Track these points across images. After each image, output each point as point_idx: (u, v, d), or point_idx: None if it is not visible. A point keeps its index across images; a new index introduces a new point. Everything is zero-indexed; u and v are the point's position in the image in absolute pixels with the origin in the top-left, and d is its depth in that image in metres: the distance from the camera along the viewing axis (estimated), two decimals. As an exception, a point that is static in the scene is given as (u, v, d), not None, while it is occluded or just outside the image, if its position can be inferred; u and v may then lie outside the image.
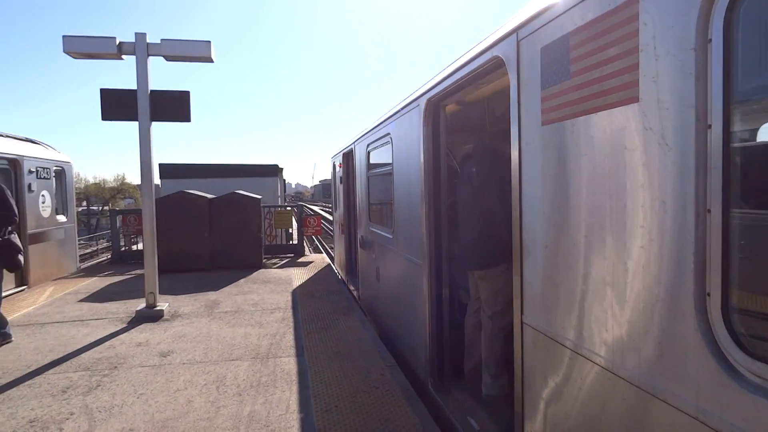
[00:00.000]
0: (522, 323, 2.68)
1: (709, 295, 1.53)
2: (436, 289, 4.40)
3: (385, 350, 5.44)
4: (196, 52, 6.60)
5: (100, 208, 49.20)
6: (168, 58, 6.65)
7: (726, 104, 1.44)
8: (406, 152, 4.86)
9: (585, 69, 2.02)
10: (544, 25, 2.31)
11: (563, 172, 2.21)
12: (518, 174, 2.62)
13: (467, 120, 6.07)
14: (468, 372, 4.46)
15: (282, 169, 22.16)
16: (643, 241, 1.76)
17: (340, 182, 10.32)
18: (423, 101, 4.21)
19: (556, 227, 2.28)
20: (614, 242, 1.91)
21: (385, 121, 5.83)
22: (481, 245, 3.96)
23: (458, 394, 4.26)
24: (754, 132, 1.55)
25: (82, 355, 5.38)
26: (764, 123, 1.60)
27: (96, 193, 49.33)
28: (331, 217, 32.04)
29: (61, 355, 5.36)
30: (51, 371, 4.90)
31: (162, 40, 6.57)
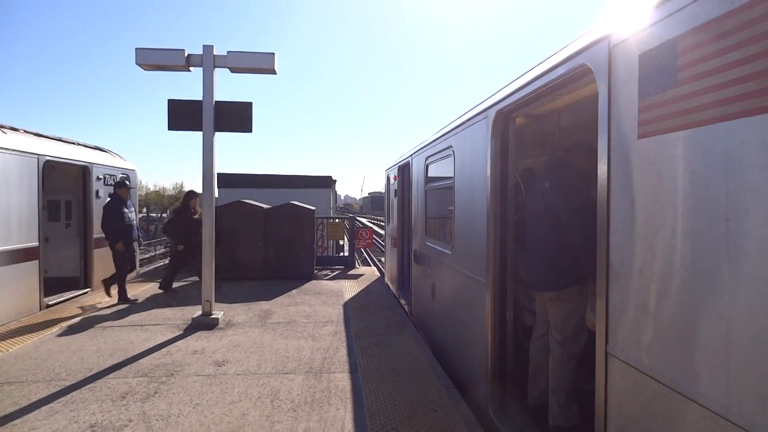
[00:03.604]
0: (606, 353, 2.45)
1: None
2: (500, 310, 4.19)
3: (441, 371, 5.24)
4: (261, 64, 6.69)
5: (159, 215, 51.19)
6: (233, 70, 6.76)
7: None
8: (471, 166, 4.69)
9: (696, 76, 1.81)
10: (644, 29, 2.11)
11: (666, 190, 1.99)
12: (606, 190, 2.40)
13: (526, 134, 5.85)
14: (532, 400, 4.20)
15: (335, 180, 22.35)
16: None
17: (395, 195, 10.22)
18: (492, 113, 4.04)
19: (656, 251, 2.06)
20: (733, 271, 1.68)
21: (446, 133, 5.68)
22: (553, 265, 3.73)
23: (521, 422, 4.01)
24: None
25: (141, 360, 5.45)
26: None
27: (156, 200, 51.41)
28: (380, 230, 32.06)
29: (121, 360, 5.45)
30: (111, 375, 4.97)
31: (228, 52, 6.70)
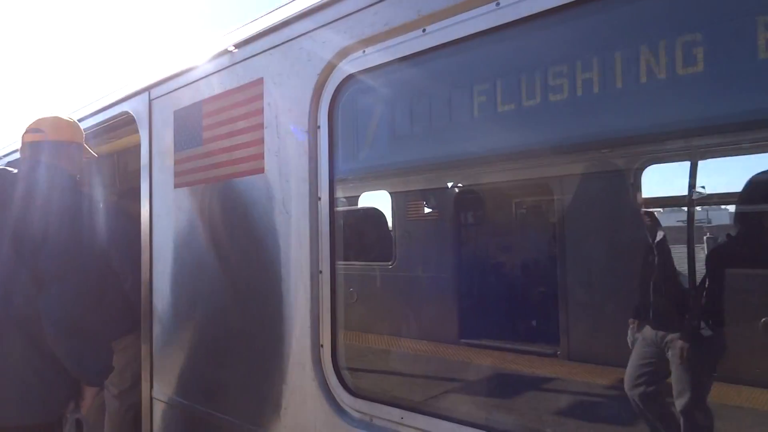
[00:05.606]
0: (151, 398, 2.47)
1: (322, 346, 1.74)
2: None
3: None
4: None
5: None
6: None
7: (331, 180, 1.72)
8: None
9: (217, 137, 2.10)
10: (178, 89, 2.32)
11: (196, 236, 2.21)
12: (149, 236, 2.48)
13: (94, 174, 5.46)
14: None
15: None
16: (267, 301, 1.88)
17: None
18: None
19: (189, 292, 2.24)
20: (243, 304, 1.99)
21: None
22: (110, 313, 3.52)
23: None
24: (352, 202, 1.88)
25: None
26: (361, 194, 1.98)
27: None
28: None
29: None
30: None
31: None
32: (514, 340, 3.98)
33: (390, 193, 4.78)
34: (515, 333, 4.06)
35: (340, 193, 1.80)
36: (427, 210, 4.73)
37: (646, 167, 2.95)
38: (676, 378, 2.34)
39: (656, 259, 2.52)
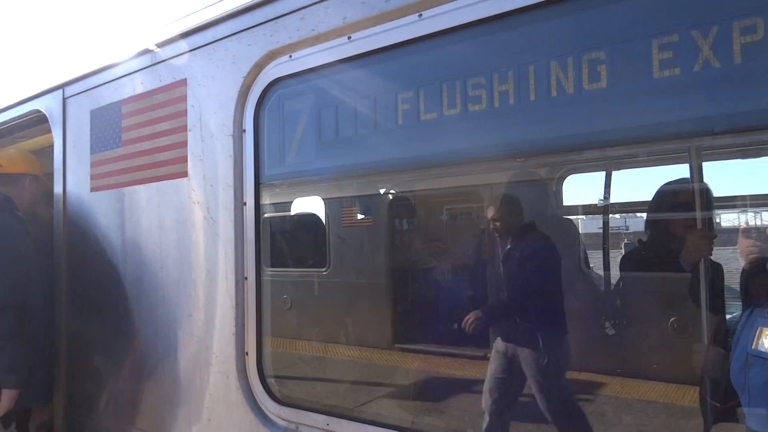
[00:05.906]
0: (65, 415, 2.33)
1: (247, 354, 1.70)
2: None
3: None
4: None
5: None
6: None
7: (257, 185, 1.69)
8: None
9: (137, 139, 2.01)
10: (95, 87, 2.20)
11: (114, 242, 2.10)
12: (63, 242, 2.34)
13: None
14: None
15: None
16: (191, 309, 1.82)
17: None
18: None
19: (107, 301, 2.13)
20: (165, 313, 1.91)
21: None
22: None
23: None
24: (280, 207, 1.86)
25: None
26: (292, 200, 1.96)
27: None
28: None
29: None
30: None
31: None
32: (446, 343, 4.05)
33: (323, 199, 4.77)
34: (448, 336, 4.13)
35: (267, 199, 1.77)
36: (360, 216, 4.74)
37: (567, 176, 3.11)
38: (533, 388, 2.46)
39: (502, 271, 2.61)
